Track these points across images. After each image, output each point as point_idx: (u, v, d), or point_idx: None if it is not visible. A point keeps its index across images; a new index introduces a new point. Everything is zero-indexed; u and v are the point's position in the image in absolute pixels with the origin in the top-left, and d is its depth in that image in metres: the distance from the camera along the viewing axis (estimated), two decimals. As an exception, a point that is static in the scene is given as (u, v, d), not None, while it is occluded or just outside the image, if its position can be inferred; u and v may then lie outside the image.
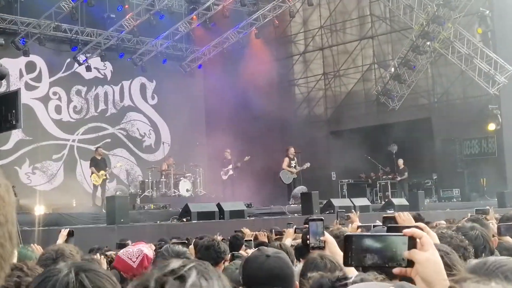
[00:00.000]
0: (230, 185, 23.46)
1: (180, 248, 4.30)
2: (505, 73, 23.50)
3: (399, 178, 24.48)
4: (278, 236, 9.22)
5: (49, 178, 26.18)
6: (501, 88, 23.66)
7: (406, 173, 24.41)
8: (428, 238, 2.24)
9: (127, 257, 5.02)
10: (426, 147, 26.02)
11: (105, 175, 22.73)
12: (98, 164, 22.76)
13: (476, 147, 24.55)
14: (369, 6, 28.29)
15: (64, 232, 7.00)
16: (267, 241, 7.98)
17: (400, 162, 24.53)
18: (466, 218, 7.08)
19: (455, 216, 12.44)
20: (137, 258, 4.93)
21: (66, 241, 6.88)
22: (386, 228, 4.59)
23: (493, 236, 5.41)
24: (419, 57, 25.72)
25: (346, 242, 2.21)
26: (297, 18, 29.90)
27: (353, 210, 8.55)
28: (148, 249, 5.19)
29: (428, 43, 25.18)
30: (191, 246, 6.94)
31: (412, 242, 2.19)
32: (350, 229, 7.01)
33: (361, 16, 28.62)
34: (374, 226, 6.10)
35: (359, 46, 28.59)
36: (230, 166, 23.23)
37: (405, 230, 2.22)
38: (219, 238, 9.41)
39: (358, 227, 6.92)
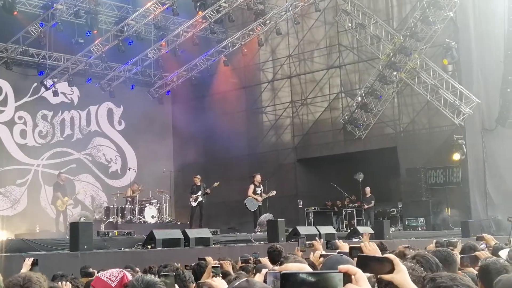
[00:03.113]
0: (196, 212, 23.27)
1: (152, 278, 4.25)
2: (470, 103, 23.80)
3: (366, 206, 24.61)
4: (244, 264, 9.14)
5: (12, 203, 25.84)
6: (466, 118, 23.94)
7: (373, 201, 24.58)
8: (362, 274, 2.31)
9: (106, 277, 4.99)
10: (392, 176, 26.20)
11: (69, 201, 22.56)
12: (62, 189, 22.56)
13: (441, 177, 24.73)
14: (337, 36, 28.51)
15: (28, 262, 6.91)
16: (231, 269, 7.91)
17: (367, 190, 24.69)
18: (432, 249, 6.98)
19: (420, 245, 12.48)
20: (116, 277, 4.89)
21: (30, 270, 6.78)
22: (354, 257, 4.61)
23: (459, 269, 5.41)
24: (385, 86, 25.97)
25: (282, 280, 2.25)
26: (266, 47, 30.07)
27: (316, 238, 8.49)
28: (128, 273, 5.15)
29: (394, 73, 25.45)
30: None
31: (348, 278, 2.26)
32: (312, 258, 6.96)
33: (329, 45, 28.81)
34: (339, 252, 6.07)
35: (327, 75, 28.78)
36: (200, 193, 22.95)
37: (340, 267, 2.28)
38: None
39: (321, 255, 6.86)
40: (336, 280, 2.23)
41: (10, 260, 11.98)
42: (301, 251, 8.28)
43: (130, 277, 4.99)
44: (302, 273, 2.27)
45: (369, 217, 24.40)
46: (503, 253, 6.12)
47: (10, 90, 26.55)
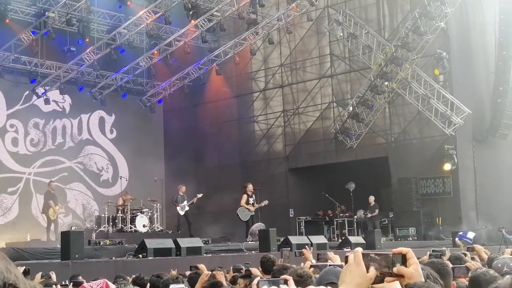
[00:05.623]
0: (183, 220, 23.36)
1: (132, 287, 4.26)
2: (461, 114, 23.90)
3: (369, 215, 24.71)
4: (235, 274, 9.10)
5: (3, 212, 25.76)
6: (457, 128, 24.05)
7: (377, 210, 24.67)
8: None
9: (89, 285, 5.12)
10: (383, 186, 26.27)
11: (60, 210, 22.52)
12: (54, 198, 22.50)
13: (432, 187, 24.81)
14: (329, 45, 28.60)
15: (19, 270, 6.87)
16: (224, 280, 7.89)
17: (371, 199, 24.78)
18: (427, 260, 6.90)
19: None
20: (98, 285, 5.01)
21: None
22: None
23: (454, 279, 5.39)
24: (377, 96, 26.05)
25: None
26: (258, 56, 30.10)
27: (306, 246, 8.44)
28: (110, 283, 5.22)
29: (386, 83, 25.53)
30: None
31: None
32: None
33: (321, 55, 28.90)
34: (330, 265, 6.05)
35: (319, 85, 28.84)
36: (185, 202, 23.17)
37: None
38: (174, 273, 9.32)
39: (311, 266, 6.81)
40: None
41: (0, 269, 11.92)
42: (284, 262, 8.24)
43: (112, 286, 5.08)
44: (270, 280, 2.35)
45: (374, 226, 24.26)
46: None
47: (1, 98, 26.51)
